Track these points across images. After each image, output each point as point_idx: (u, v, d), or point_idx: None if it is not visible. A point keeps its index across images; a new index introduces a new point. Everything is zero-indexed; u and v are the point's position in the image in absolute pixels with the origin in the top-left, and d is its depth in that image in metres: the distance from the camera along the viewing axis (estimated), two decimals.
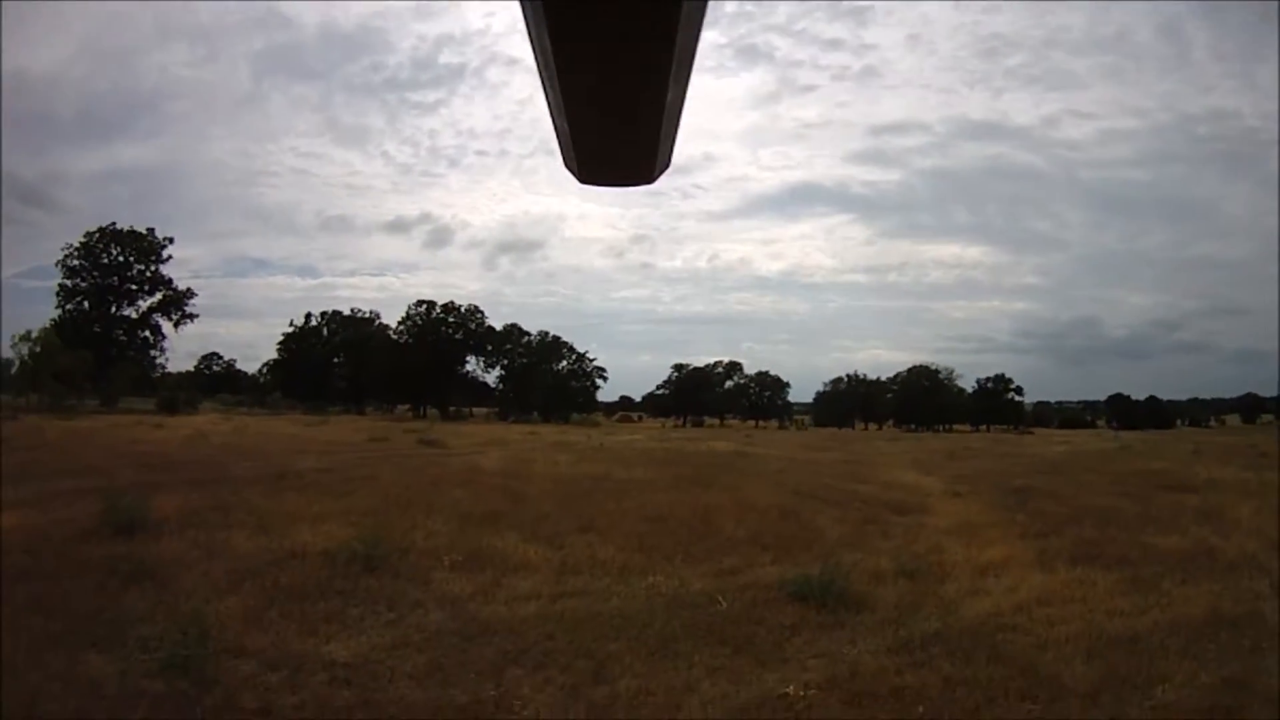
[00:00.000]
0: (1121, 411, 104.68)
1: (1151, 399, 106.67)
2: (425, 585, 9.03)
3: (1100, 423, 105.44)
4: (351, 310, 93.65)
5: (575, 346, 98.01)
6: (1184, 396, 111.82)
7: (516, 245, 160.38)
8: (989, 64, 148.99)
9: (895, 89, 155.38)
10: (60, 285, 71.63)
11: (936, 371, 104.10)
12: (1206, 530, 13.32)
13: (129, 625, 6.94)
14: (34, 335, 54.44)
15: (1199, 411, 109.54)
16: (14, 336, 54.35)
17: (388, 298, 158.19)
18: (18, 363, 53.48)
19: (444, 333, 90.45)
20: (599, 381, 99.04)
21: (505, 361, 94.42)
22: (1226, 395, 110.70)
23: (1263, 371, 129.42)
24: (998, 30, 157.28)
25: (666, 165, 0.85)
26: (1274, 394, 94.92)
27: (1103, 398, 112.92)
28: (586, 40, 0.64)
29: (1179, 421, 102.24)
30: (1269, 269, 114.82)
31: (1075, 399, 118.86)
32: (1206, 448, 40.15)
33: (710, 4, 0.66)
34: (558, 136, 0.80)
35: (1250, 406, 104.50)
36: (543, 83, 0.73)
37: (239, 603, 7.81)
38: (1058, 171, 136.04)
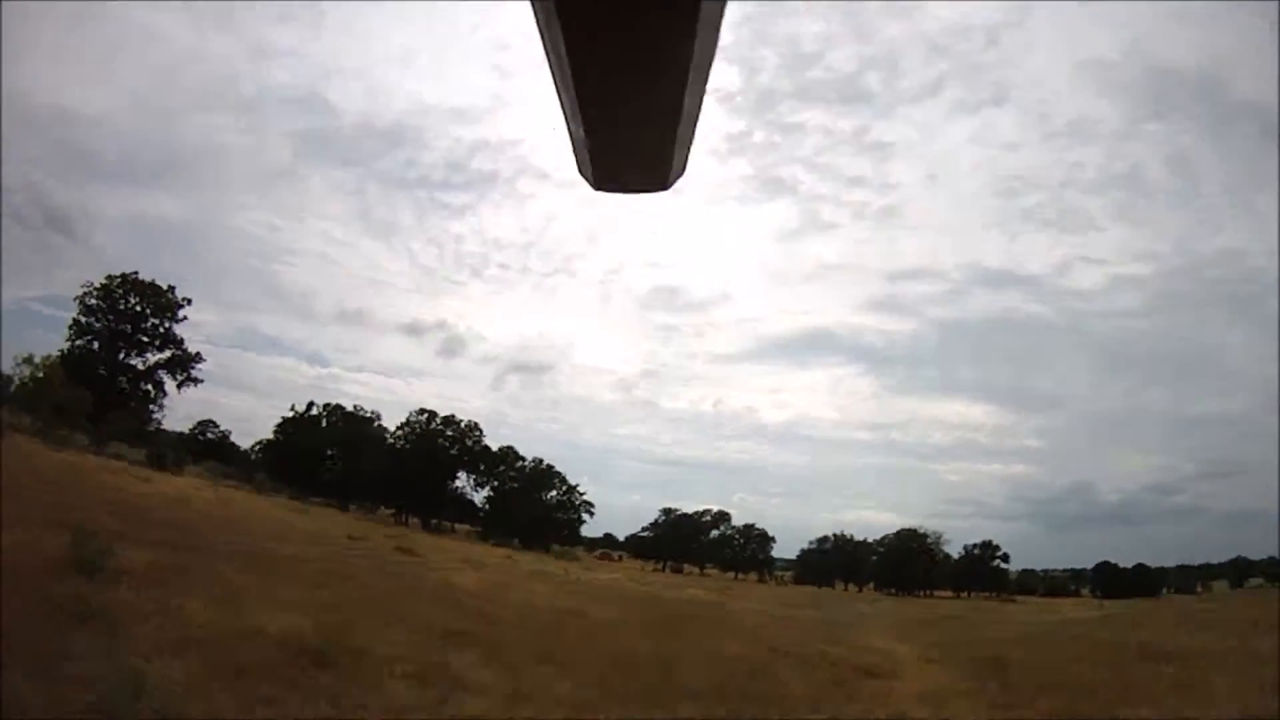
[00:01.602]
0: (1108, 579, 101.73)
1: (1139, 566, 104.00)
2: (373, 690, 8.80)
3: (1085, 591, 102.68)
4: (354, 407, 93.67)
5: (567, 478, 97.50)
6: (1173, 562, 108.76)
7: (527, 366, 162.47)
8: (1006, 203, 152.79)
9: (914, 230, 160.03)
10: (75, 320, 72.02)
11: (924, 535, 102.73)
12: (1182, 701, 12.91)
13: (67, 661, 6.78)
14: (37, 360, 54.73)
15: (1186, 579, 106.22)
16: (16, 357, 54.56)
17: (391, 400, 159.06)
18: (17, 382, 53.51)
19: (440, 445, 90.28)
20: (585, 515, 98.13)
21: (496, 483, 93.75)
22: (1215, 560, 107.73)
23: (1254, 532, 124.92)
24: (1016, 170, 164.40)
25: (682, 172, 0.83)
26: (1265, 556, 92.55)
27: (1090, 565, 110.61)
28: (601, 45, 0.64)
29: (1165, 589, 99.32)
30: (1264, 422, 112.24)
31: (1062, 566, 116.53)
32: (1190, 616, 39.10)
33: (727, 15, 0.66)
34: (572, 143, 0.80)
35: (1238, 571, 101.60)
36: (556, 89, 0.72)
37: (182, 668, 7.58)
38: (1065, 323, 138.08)
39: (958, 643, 24.43)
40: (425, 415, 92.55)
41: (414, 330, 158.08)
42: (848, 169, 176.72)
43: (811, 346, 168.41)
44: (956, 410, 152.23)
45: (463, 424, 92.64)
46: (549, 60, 0.68)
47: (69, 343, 70.44)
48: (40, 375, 52.81)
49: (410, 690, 9.11)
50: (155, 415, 75.88)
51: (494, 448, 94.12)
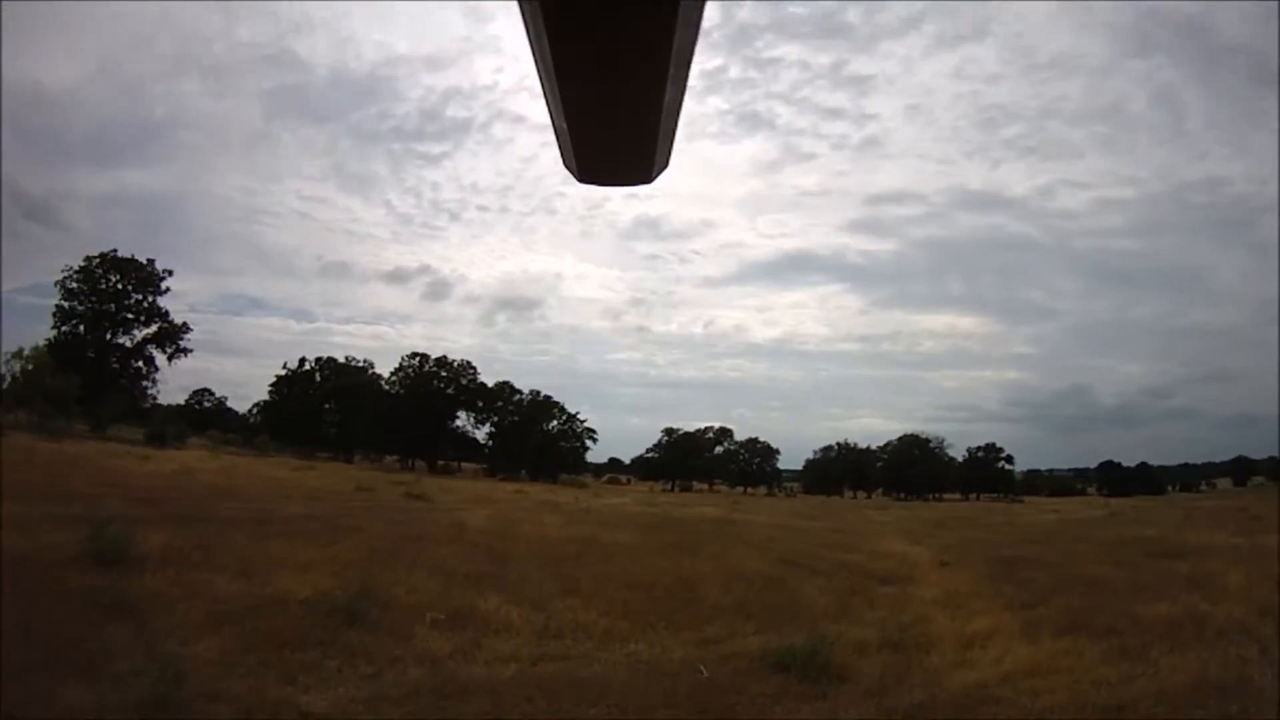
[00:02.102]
0: (1112, 478, 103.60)
1: (1142, 465, 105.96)
2: (405, 641, 8.91)
3: (1091, 490, 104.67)
4: (346, 358, 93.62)
5: (566, 407, 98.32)
6: (1175, 462, 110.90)
7: (514, 303, 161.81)
8: (987, 134, 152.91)
9: (893, 159, 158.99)
10: (58, 306, 71.35)
11: (927, 440, 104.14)
12: (1195, 597, 13.13)
13: (107, 659, 6.86)
14: (26, 353, 54.20)
15: (1190, 476, 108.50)
16: (6, 353, 54.02)
17: (381, 347, 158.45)
18: (9, 379, 53.09)
19: (436, 386, 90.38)
20: (589, 443, 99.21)
21: (496, 418, 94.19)
22: (1217, 459, 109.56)
23: (1254, 435, 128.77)
24: (997, 101, 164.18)
25: (665, 165, 0.85)
26: (1265, 455, 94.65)
27: (1093, 465, 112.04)
28: (585, 40, 0.65)
29: (1170, 487, 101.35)
30: (1259, 334, 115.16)
31: (1066, 467, 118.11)
32: (1197, 513, 39.98)
33: (708, 6, 0.66)
34: (557, 136, 0.81)
35: (1241, 469, 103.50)
36: (541, 83, 0.73)
37: (217, 645, 7.71)
38: (1052, 241, 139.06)
39: (970, 544, 25.03)
40: (417, 359, 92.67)
41: (397, 277, 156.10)
42: (826, 102, 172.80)
43: (796, 267, 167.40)
44: (945, 321, 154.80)
45: (456, 364, 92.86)
46: (534, 56, 0.69)
47: (54, 330, 69.79)
48: (30, 368, 52.25)
49: (442, 637, 9.25)
50: (149, 391, 76.00)
51: (489, 384, 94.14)
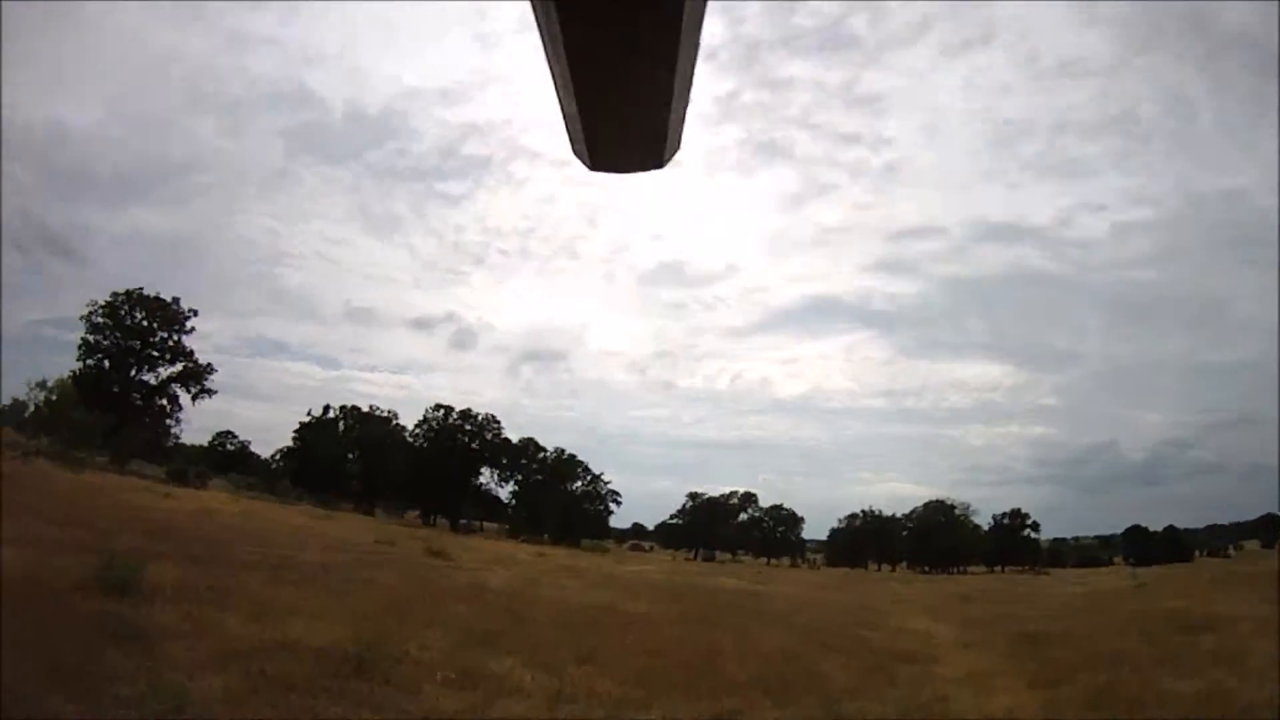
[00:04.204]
0: (1139, 545, 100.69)
1: (1169, 529, 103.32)
2: (414, 696, 8.73)
3: (1117, 560, 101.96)
4: (370, 407, 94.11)
5: (591, 467, 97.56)
6: (1201, 523, 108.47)
7: (540, 354, 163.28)
8: (1002, 152, 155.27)
9: (912, 187, 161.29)
10: (83, 340, 72.40)
11: (952, 507, 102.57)
12: (1222, 671, 12.79)
13: (109, 683, 6.75)
14: (50, 384, 55.11)
15: (1217, 539, 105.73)
16: (29, 381, 54.95)
17: (406, 397, 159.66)
18: (32, 408, 53.91)
19: (460, 440, 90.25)
20: (612, 506, 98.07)
21: (519, 477, 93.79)
22: (1243, 518, 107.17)
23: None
24: (1009, 115, 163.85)
25: (676, 149, 0.84)
26: None
27: (1119, 530, 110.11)
28: (593, 25, 0.64)
29: (1198, 552, 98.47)
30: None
31: (1092, 533, 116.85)
32: (1225, 580, 38.87)
33: (709, 7, 0.66)
34: (566, 123, 0.79)
35: (1269, 529, 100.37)
36: (550, 70, 0.72)
37: (223, 683, 7.54)
38: (1072, 275, 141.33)
39: (994, 621, 24.51)
40: (442, 411, 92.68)
41: (422, 325, 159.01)
42: (841, 126, 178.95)
43: (820, 314, 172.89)
44: (971, 372, 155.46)
45: (480, 417, 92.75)
46: (543, 41, 0.68)
47: (79, 363, 70.91)
48: (54, 398, 53.13)
49: (453, 695, 9.03)
50: (172, 430, 76.54)
51: (513, 439, 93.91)
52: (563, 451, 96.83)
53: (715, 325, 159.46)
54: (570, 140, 0.82)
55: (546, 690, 9.94)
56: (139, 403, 73.54)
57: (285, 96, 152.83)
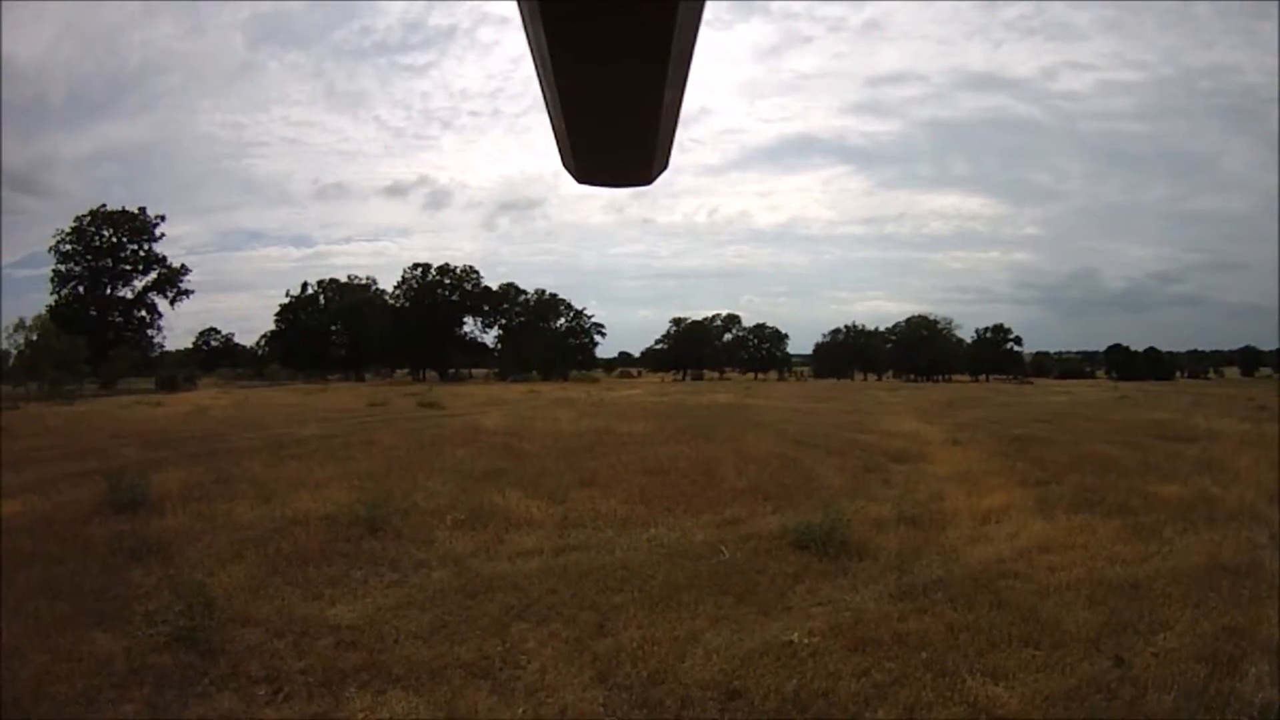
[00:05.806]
0: (1121, 362, 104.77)
1: (1151, 350, 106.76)
2: (428, 545, 9.06)
3: (1099, 374, 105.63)
4: (348, 277, 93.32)
5: (573, 304, 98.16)
6: (1183, 349, 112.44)
7: (516, 204, 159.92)
8: (988, 14, 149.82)
9: (893, 41, 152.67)
10: (54, 271, 71.26)
11: (935, 321, 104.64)
12: (1206, 480, 13.27)
13: (134, 601, 6.95)
14: (29, 324, 53.90)
15: (1198, 363, 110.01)
16: (8, 326, 53.70)
17: (385, 263, 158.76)
18: (14, 352, 52.98)
19: (440, 295, 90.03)
20: (597, 338, 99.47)
21: (503, 321, 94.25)
22: (1225, 348, 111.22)
23: (1262, 326, 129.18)
24: None
25: (664, 166, 0.85)
26: (1272, 347, 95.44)
27: (1102, 349, 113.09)
28: (584, 41, 0.63)
29: (1178, 373, 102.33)
30: (1268, 225, 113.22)
31: (1074, 350, 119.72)
32: (1205, 399, 40.45)
33: (707, 5, 0.65)
34: (555, 137, 0.80)
35: (1249, 359, 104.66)
36: (540, 83, 0.72)
37: (243, 572, 7.81)
38: (1057, 123, 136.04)
39: (981, 424, 25.17)
40: (420, 269, 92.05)
41: (395, 191, 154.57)
42: None
43: (798, 151, 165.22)
44: (951, 202, 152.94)
45: (458, 269, 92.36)
46: (534, 57, 0.68)
47: (54, 295, 69.68)
48: (33, 338, 52.09)
49: (464, 537, 9.42)
50: (156, 339, 76.41)
51: (494, 288, 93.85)
52: (544, 292, 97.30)
53: (691, 163, 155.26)
54: (559, 153, 0.83)
55: (554, 518, 10.41)
56: (119, 320, 72.76)
57: None
